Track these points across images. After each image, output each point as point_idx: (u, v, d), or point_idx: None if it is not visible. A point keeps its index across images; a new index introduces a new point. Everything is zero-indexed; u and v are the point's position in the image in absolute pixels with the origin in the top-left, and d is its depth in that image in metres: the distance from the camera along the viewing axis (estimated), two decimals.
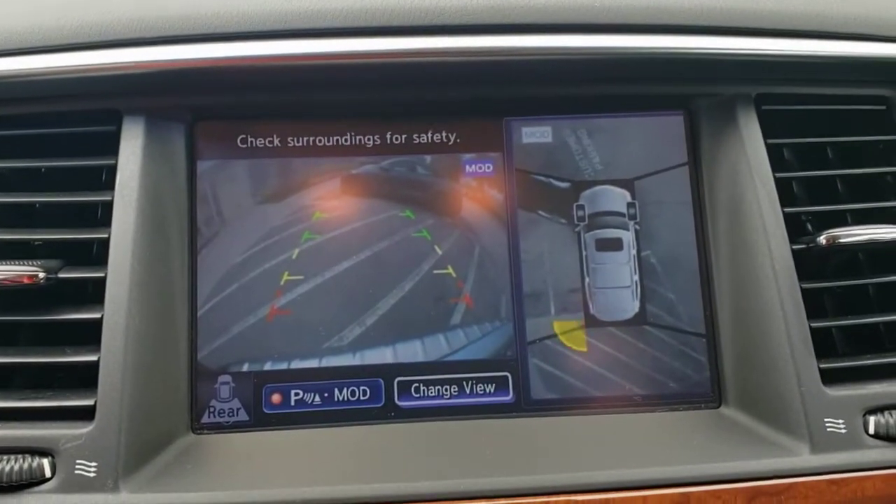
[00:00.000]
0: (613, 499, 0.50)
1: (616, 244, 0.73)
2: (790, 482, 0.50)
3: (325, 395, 0.67)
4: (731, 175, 0.63)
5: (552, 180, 0.74)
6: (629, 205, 0.73)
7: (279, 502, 0.51)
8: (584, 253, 0.73)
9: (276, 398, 0.65)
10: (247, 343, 0.66)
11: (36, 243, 0.60)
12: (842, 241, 0.54)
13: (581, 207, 0.74)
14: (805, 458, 0.51)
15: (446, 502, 0.53)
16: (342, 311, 0.70)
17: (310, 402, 0.67)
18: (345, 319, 0.70)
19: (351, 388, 0.67)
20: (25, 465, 0.49)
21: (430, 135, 0.72)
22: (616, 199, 0.74)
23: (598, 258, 0.73)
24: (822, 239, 0.54)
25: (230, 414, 0.60)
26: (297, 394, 0.66)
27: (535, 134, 0.74)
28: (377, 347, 0.69)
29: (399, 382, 0.68)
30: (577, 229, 0.74)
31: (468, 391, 0.69)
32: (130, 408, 0.50)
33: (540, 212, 0.74)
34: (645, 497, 0.50)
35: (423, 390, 0.69)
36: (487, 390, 0.69)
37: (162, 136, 0.64)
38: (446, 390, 0.69)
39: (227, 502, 0.50)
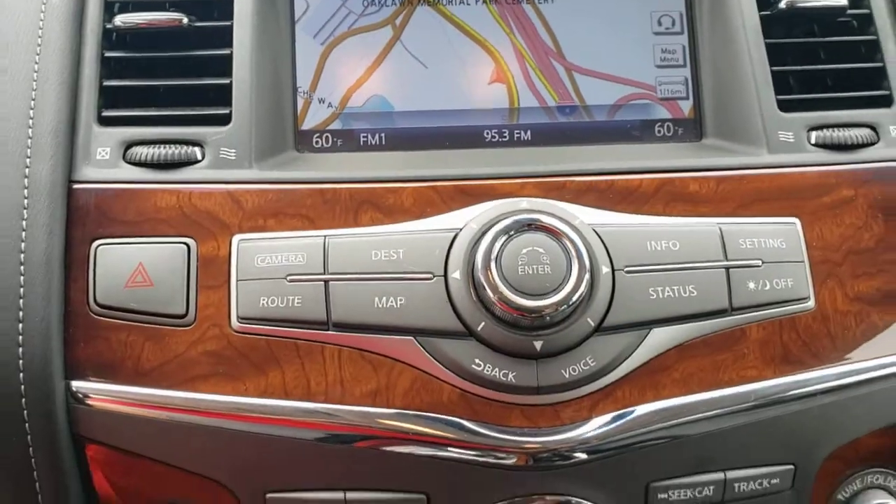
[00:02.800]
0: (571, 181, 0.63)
1: None
2: (754, 173, 0.65)
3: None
4: None
5: None
6: None
7: (384, 178, 0.63)
8: None
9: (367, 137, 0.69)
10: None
11: None
12: (798, 5, 0.70)
13: None
14: (763, 157, 0.66)
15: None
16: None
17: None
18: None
19: None
20: (183, 151, 0.63)
21: None
22: None
23: None
24: (782, 4, 0.70)
25: (327, 141, 0.69)
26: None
27: None
28: None
29: None
30: None
31: None
32: (256, 116, 0.65)
33: None
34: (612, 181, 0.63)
35: None
36: None
37: None
38: None
39: (333, 177, 0.63)
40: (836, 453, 0.63)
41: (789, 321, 0.62)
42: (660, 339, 0.60)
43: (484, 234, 0.58)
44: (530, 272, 0.56)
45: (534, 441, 0.58)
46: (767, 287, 0.61)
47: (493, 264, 0.56)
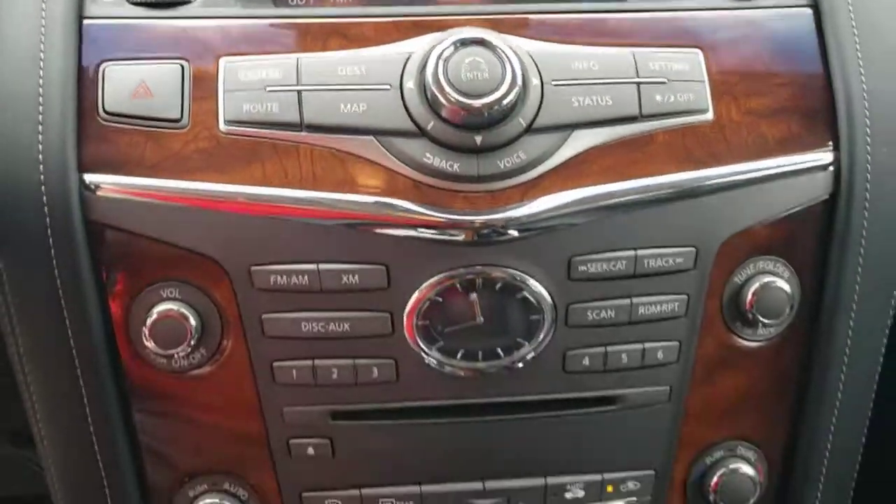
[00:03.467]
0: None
1: None
2: (666, 15, 0.75)
3: None
4: None
5: None
6: None
7: None
8: None
9: None
10: None
11: None
12: None
13: None
14: (673, 2, 0.76)
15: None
16: None
17: None
18: None
19: None
20: None
21: None
22: None
23: None
24: None
25: None
26: None
27: None
28: None
29: None
30: None
31: None
32: None
33: None
34: None
35: None
36: None
37: None
38: None
39: (306, 13, 0.74)
40: (731, 240, 0.74)
41: (691, 129, 0.73)
42: (581, 140, 0.71)
43: (433, 49, 0.69)
44: (471, 77, 0.67)
45: (475, 219, 0.69)
46: (672, 100, 0.73)
47: (440, 73, 0.67)
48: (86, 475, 0.76)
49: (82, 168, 0.70)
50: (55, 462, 0.77)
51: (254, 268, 0.71)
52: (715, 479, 0.81)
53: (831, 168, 0.75)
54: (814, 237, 0.77)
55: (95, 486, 0.76)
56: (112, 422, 0.74)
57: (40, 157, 0.68)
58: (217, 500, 0.77)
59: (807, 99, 0.76)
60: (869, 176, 0.75)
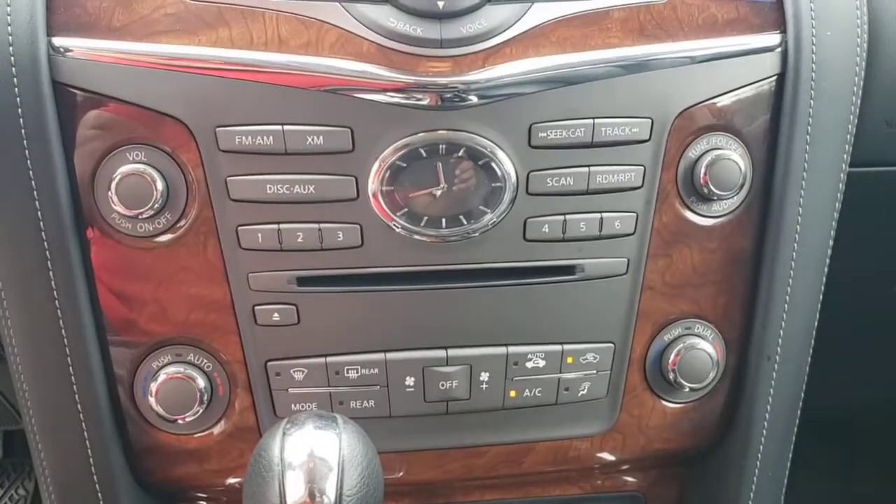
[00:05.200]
0: None
1: None
2: None
3: None
4: None
5: None
6: None
7: None
8: None
9: None
10: None
11: None
12: None
13: None
14: None
15: None
16: None
17: None
18: None
19: None
20: None
21: None
22: None
23: None
24: None
25: None
26: None
27: None
28: None
29: None
30: None
31: None
32: None
33: None
34: None
35: None
36: None
37: None
38: None
39: None
40: (685, 115, 0.77)
41: (646, 7, 0.76)
42: (541, 12, 0.74)
43: None
44: None
45: (438, 80, 0.72)
46: None
47: None
48: (50, 353, 0.76)
49: (51, 32, 0.71)
50: (20, 344, 0.77)
51: (219, 129, 0.72)
52: (673, 355, 0.84)
53: (779, 49, 0.78)
54: (764, 114, 0.80)
55: (59, 363, 0.76)
56: (77, 294, 0.75)
57: (9, 19, 0.69)
58: (182, 369, 0.78)
59: None
60: (814, 57, 0.78)
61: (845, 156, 0.82)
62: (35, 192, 0.71)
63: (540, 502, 0.98)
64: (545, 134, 0.74)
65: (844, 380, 1.24)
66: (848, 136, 0.82)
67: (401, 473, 0.87)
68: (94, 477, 0.80)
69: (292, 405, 0.80)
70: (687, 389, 0.85)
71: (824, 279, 0.85)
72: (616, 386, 0.85)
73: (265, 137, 0.72)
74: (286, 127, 0.72)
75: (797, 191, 0.80)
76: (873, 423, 1.60)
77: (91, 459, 0.79)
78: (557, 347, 0.82)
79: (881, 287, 1.13)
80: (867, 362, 1.26)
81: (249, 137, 0.72)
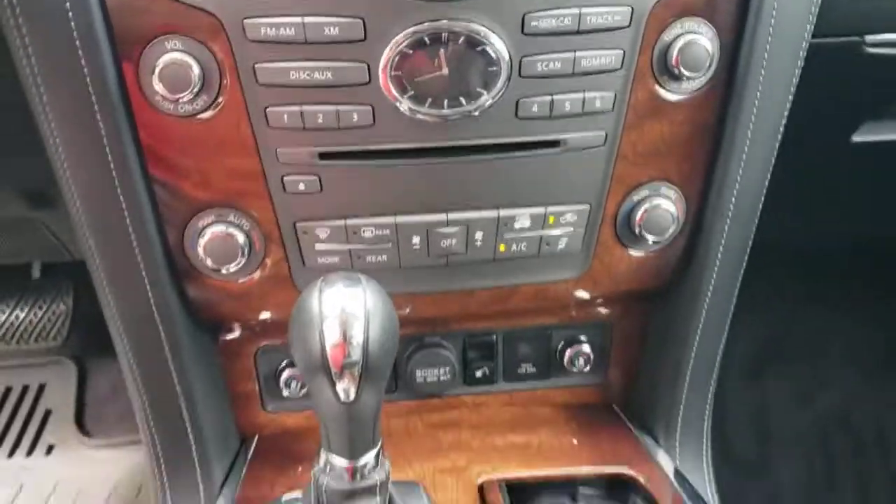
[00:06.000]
0: None
1: None
2: None
3: None
4: None
5: None
6: None
7: None
8: None
9: None
10: None
11: None
12: None
13: None
14: None
15: None
16: None
17: None
18: None
19: None
20: None
21: None
22: None
23: None
24: None
25: None
26: None
27: None
28: None
29: None
30: None
31: None
32: None
33: None
34: None
35: None
36: None
37: None
38: None
39: None
40: (662, 1, 0.86)
41: None
42: None
43: None
44: None
45: None
46: None
47: None
48: (111, 214, 0.89)
49: None
50: (84, 210, 0.89)
51: (246, 20, 0.80)
52: (640, 212, 0.98)
53: None
54: (734, 1, 0.88)
55: (118, 221, 0.89)
56: (130, 164, 0.86)
57: None
58: (224, 228, 0.92)
59: None
60: None
61: (806, 34, 0.91)
62: (87, 79, 0.81)
63: (522, 330, 1.16)
64: (537, 23, 0.83)
65: (795, 220, 1.40)
66: (810, 17, 0.91)
67: (408, 310, 1.03)
68: (155, 314, 0.96)
69: (318, 259, 0.95)
70: (651, 242, 1.00)
71: (777, 145, 0.97)
72: (590, 240, 1.00)
73: (287, 28, 0.80)
74: (306, 18, 0.80)
75: (758, 73, 0.90)
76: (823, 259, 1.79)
77: (152, 300, 0.94)
78: (541, 209, 0.95)
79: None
80: (815, 204, 1.41)
81: (273, 28, 0.80)
